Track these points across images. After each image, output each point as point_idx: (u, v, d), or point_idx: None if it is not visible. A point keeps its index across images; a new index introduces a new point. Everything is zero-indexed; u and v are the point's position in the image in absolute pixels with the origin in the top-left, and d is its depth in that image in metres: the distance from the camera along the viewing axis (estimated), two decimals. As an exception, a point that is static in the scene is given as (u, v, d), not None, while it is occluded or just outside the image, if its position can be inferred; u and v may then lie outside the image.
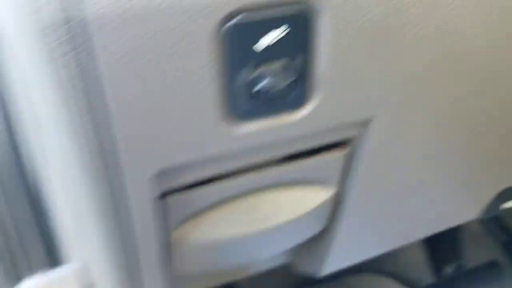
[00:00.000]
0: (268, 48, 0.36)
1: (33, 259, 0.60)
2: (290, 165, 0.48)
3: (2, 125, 0.52)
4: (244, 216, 0.50)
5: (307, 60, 0.38)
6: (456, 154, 0.58)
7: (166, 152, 0.38)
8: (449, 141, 0.55)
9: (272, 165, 0.48)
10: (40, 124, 0.44)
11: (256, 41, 0.35)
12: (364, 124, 0.47)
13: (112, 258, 0.47)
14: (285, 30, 0.35)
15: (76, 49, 0.31)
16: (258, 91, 0.37)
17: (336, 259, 0.66)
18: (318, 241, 0.64)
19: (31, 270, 0.60)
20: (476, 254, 1.11)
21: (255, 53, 0.36)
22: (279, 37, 0.35)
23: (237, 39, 0.34)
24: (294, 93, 0.39)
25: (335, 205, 0.57)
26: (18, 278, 0.59)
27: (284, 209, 0.51)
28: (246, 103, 0.38)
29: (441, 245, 1.11)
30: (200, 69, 0.34)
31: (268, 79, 0.36)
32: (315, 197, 0.53)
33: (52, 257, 0.60)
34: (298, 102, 0.40)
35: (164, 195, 0.44)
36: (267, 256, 0.58)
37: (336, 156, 0.50)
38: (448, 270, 1.09)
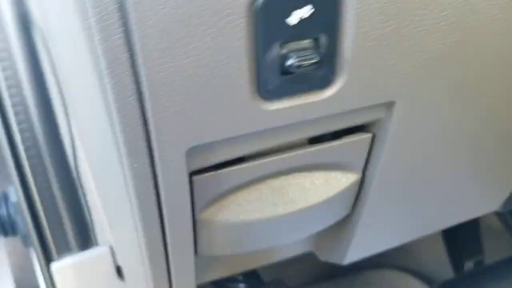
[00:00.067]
0: (297, 25, 0.37)
1: (64, 241, 0.61)
2: (316, 148, 0.49)
3: (39, 113, 0.53)
4: (270, 198, 0.51)
5: (334, 39, 0.39)
6: (479, 142, 0.58)
7: (197, 130, 0.39)
8: (472, 128, 0.55)
9: (298, 147, 0.49)
10: (74, 106, 0.45)
11: (287, 17, 0.36)
12: (388, 107, 0.47)
13: (140, 239, 0.48)
14: (313, 7, 0.36)
15: (114, 25, 0.32)
16: (287, 69, 0.38)
17: (358, 247, 0.66)
18: (341, 229, 0.64)
19: (61, 252, 0.61)
20: (496, 250, 1.11)
21: (285, 29, 0.37)
22: (308, 14, 0.36)
23: (268, 13, 0.35)
24: (322, 72, 0.40)
25: (358, 192, 0.58)
26: (49, 260, 0.60)
27: (310, 193, 0.52)
28: (275, 80, 0.39)
29: (461, 241, 1.10)
30: (233, 44, 0.35)
31: (297, 56, 0.37)
32: (340, 181, 0.54)
33: (82, 239, 0.62)
34: (325, 81, 0.41)
35: (191, 175, 0.45)
36: (291, 241, 0.58)
37: (360, 140, 0.51)
38: (468, 265, 1.08)
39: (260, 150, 0.46)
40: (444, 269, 1.13)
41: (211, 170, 0.45)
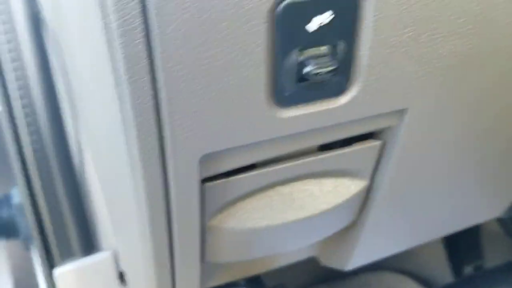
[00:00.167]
0: (317, 31, 0.36)
1: (67, 246, 0.60)
2: (326, 155, 0.49)
3: (48, 114, 0.53)
4: (279, 205, 0.50)
5: (352, 46, 0.38)
6: (485, 150, 0.58)
7: (211, 137, 0.39)
8: (480, 136, 0.55)
9: (308, 155, 0.48)
10: (84, 110, 0.44)
11: (307, 23, 0.36)
12: (400, 114, 0.47)
13: (147, 245, 0.47)
14: (332, 14, 0.36)
15: (135, 30, 0.31)
16: (304, 76, 0.38)
17: (362, 253, 0.66)
18: (345, 234, 0.64)
19: (64, 257, 0.61)
20: (495, 254, 1.11)
21: (305, 35, 0.36)
22: (328, 20, 0.36)
23: (289, 19, 0.35)
24: (337, 79, 0.40)
25: (365, 199, 0.57)
26: (52, 264, 0.60)
27: (319, 200, 0.52)
28: (291, 87, 0.38)
29: (461, 245, 1.11)
30: (253, 50, 0.35)
31: (315, 63, 0.37)
32: (349, 188, 0.53)
33: (85, 244, 0.61)
34: (340, 89, 0.41)
35: (202, 181, 0.44)
36: (297, 248, 0.58)
37: (370, 147, 0.50)
38: (468, 270, 1.09)
39: (271, 157, 0.46)
40: (443, 273, 1.13)
41: (222, 177, 0.45)
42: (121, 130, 0.37)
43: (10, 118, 0.51)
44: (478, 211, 0.72)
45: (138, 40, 0.32)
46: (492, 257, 1.10)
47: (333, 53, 0.38)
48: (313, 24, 0.36)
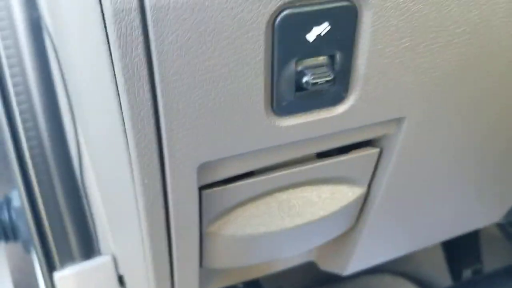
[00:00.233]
0: (314, 42, 0.36)
1: (66, 250, 0.61)
2: (324, 162, 0.49)
3: (48, 122, 0.53)
4: (277, 212, 0.50)
5: (349, 56, 0.39)
6: (483, 157, 0.58)
7: (209, 146, 0.39)
8: (477, 143, 0.55)
9: (306, 162, 0.48)
10: (83, 116, 0.45)
11: (305, 34, 0.36)
12: (398, 122, 0.47)
13: (146, 251, 0.47)
14: (330, 25, 0.36)
15: (134, 42, 0.32)
16: (302, 85, 0.38)
17: (360, 258, 0.66)
18: (343, 240, 0.64)
19: (64, 260, 0.61)
20: (494, 258, 1.11)
21: (303, 45, 0.36)
22: (326, 31, 0.36)
23: (287, 30, 0.35)
24: (335, 89, 0.40)
25: (363, 205, 0.58)
26: (52, 268, 0.60)
27: (317, 207, 0.52)
28: (289, 97, 0.39)
29: (460, 249, 1.11)
30: (252, 60, 0.35)
31: (312, 74, 0.37)
32: (346, 195, 0.54)
33: (85, 248, 0.61)
34: (337, 98, 0.41)
35: (200, 189, 0.44)
36: (295, 254, 0.58)
37: (367, 155, 0.51)
38: (466, 273, 1.09)
39: (269, 165, 0.46)
40: (442, 276, 1.13)
41: (220, 184, 0.45)
42: (120, 138, 0.38)
43: (10, 123, 0.51)
44: (477, 217, 0.72)
45: (137, 52, 0.32)
46: (491, 261, 1.10)
47: (330, 63, 0.38)
48: (311, 35, 0.36)
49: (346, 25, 0.37)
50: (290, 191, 0.50)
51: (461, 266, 1.09)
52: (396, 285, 1.12)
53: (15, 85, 0.50)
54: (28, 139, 0.52)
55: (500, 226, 1.09)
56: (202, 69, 0.34)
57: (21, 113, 0.51)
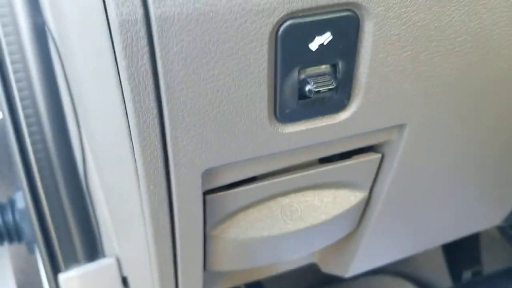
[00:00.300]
0: (317, 51, 0.37)
1: (71, 252, 0.61)
2: (326, 167, 0.49)
3: (53, 123, 0.54)
4: (280, 216, 0.51)
5: (351, 65, 0.39)
6: (483, 161, 0.59)
7: (214, 153, 0.39)
8: (477, 148, 0.56)
9: (309, 167, 0.49)
10: (88, 120, 0.45)
11: (308, 43, 0.36)
12: (399, 128, 0.48)
13: (151, 254, 0.48)
14: (332, 34, 0.37)
15: (140, 52, 0.32)
16: (305, 93, 0.38)
17: (362, 261, 0.67)
18: (345, 243, 0.65)
19: (68, 262, 0.61)
20: (494, 260, 1.11)
21: (306, 54, 0.37)
22: (328, 40, 0.37)
23: (291, 40, 0.36)
24: (337, 97, 0.40)
25: (365, 209, 0.58)
26: (56, 270, 0.60)
27: (319, 211, 0.53)
28: (292, 104, 0.39)
29: (460, 251, 1.11)
30: (255, 69, 0.36)
31: (314, 82, 0.38)
32: (348, 199, 0.54)
33: (89, 250, 0.62)
34: (340, 105, 0.41)
35: (204, 194, 0.45)
36: (297, 257, 0.59)
37: (369, 160, 0.51)
38: (466, 275, 1.09)
39: (273, 171, 0.46)
40: (442, 278, 1.13)
41: (223, 189, 0.46)
42: (126, 145, 0.38)
43: (15, 126, 0.52)
44: (477, 220, 0.73)
45: (143, 62, 0.33)
46: (491, 263, 1.10)
47: (333, 72, 0.39)
48: (314, 45, 0.37)
49: (348, 35, 0.38)
50: (293, 195, 0.51)
51: (461, 268, 1.09)
52: (396, 286, 1.12)
53: (20, 90, 0.50)
54: (33, 143, 0.53)
55: (500, 228, 1.10)
56: (207, 78, 0.35)
57: (26, 117, 0.52)
